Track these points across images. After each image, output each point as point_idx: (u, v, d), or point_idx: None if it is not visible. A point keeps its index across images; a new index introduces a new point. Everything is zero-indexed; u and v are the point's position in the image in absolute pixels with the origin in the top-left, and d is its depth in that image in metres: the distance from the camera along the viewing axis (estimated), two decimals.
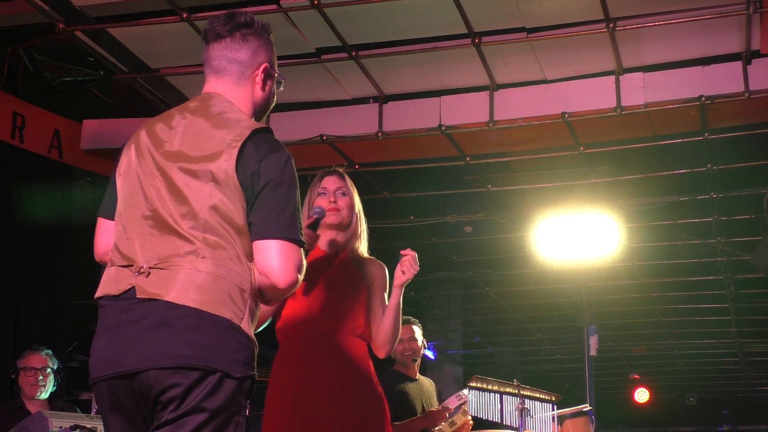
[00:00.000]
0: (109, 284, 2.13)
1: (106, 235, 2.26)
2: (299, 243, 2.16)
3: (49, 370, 4.80)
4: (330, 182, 3.17)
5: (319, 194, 3.15)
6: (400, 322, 3.07)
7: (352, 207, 3.16)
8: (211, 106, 2.24)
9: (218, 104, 2.25)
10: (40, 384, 4.76)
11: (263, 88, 2.33)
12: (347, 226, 3.15)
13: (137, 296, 2.05)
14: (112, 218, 2.23)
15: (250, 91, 2.31)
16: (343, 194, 3.16)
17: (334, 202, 3.12)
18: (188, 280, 2.05)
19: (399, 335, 3.09)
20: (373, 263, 3.18)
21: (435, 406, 5.02)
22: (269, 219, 2.12)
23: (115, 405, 2.10)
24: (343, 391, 2.95)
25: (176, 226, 2.10)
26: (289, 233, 2.13)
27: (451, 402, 4.87)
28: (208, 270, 2.07)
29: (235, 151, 2.11)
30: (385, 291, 3.14)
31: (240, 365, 2.05)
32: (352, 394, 2.96)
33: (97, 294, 2.16)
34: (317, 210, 3.05)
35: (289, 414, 2.93)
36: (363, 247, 3.21)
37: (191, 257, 2.07)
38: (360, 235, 3.18)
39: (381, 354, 3.12)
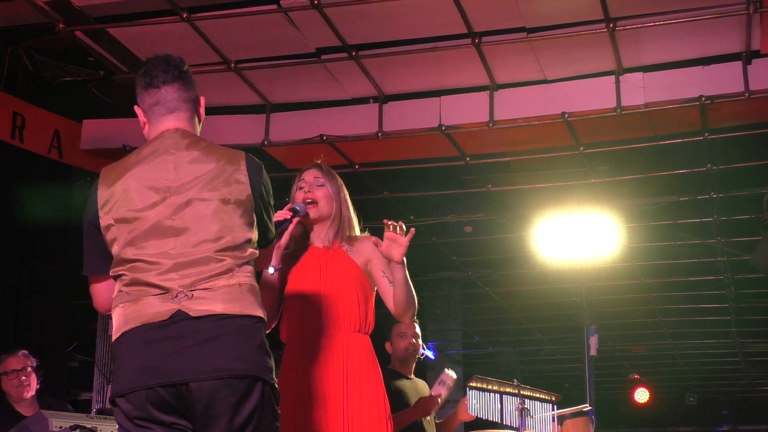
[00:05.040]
0: (145, 315, 2.26)
1: (108, 290, 2.41)
2: None
3: (29, 368, 4.80)
4: (308, 175, 3.16)
5: (299, 188, 3.15)
6: (413, 290, 3.04)
7: (330, 196, 3.13)
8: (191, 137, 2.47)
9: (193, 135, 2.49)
10: (24, 384, 4.75)
11: (202, 117, 2.59)
12: (331, 216, 3.13)
13: (191, 316, 2.24)
14: (106, 272, 2.38)
15: (197, 124, 2.55)
16: (321, 185, 3.14)
17: (310, 192, 3.11)
18: (229, 293, 2.28)
19: (415, 300, 3.06)
20: (362, 240, 3.15)
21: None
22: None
23: (161, 409, 2.22)
24: (348, 393, 2.95)
25: (205, 251, 2.30)
26: None
27: (437, 390, 4.82)
28: (242, 281, 2.31)
29: (245, 170, 2.39)
30: (383, 260, 3.09)
31: (272, 372, 2.31)
32: (356, 393, 2.96)
33: (130, 327, 2.27)
34: (297, 206, 3.02)
35: (294, 420, 2.93)
36: (354, 232, 3.18)
37: (229, 274, 2.30)
38: (347, 221, 3.15)
39: (406, 321, 3.19)
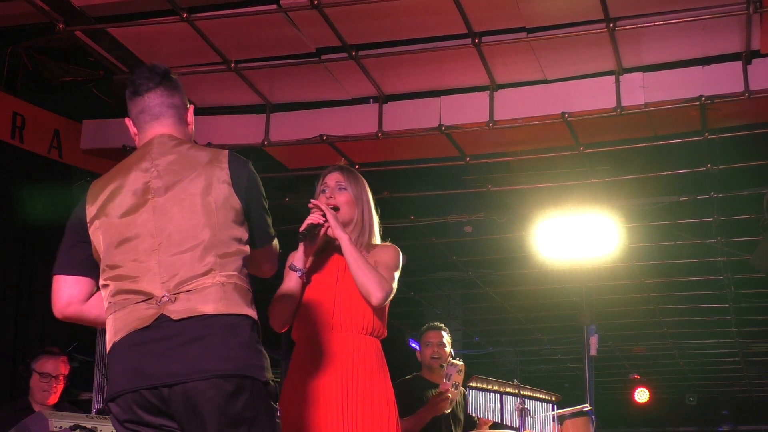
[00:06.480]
0: (132, 323, 2.25)
1: (67, 290, 2.41)
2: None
3: (62, 377, 4.70)
4: (331, 178, 3.16)
5: (321, 192, 3.14)
6: (367, 270, 2.97)
7: (352, 201, 3.12)
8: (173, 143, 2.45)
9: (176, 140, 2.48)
10: (53, 392, 4.65)
11: (191, 126, 2.58)
12: (353, 221, 3.11)
13: (173, 319, 2.22)
14: (75, 274, 2.40)
15: (185, 130, 2.54)
16: (342, 189, 3.13)
17: (332, 197, 3.10)
18: (212, 293, 2.27)
19: (375, 280, 2.97)
20: (381, 248, 3.15)
21: (461, 413, 4.99)
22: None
23: (148, 411, 2.22)
24: (357, 393, 2.95)
25: (188, 253, 2.28)
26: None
27: (444, 386, 4.81)
28: (225, 281, 2.28)
29: (226, 168, 2.37)
30: (387, 266, 3.08)
31: (264, 371, 2.28)
32: (361, 395, 2.96)
33: (120, 337, 2.27)
34: (307, 228, 3.02)
35: (305, 420, 2.93)
36: (375, 238, 3.17)
37: (212, 273, 2.28)
38: (368, 226, 3.13)
39: (374, 302, 3.00)
